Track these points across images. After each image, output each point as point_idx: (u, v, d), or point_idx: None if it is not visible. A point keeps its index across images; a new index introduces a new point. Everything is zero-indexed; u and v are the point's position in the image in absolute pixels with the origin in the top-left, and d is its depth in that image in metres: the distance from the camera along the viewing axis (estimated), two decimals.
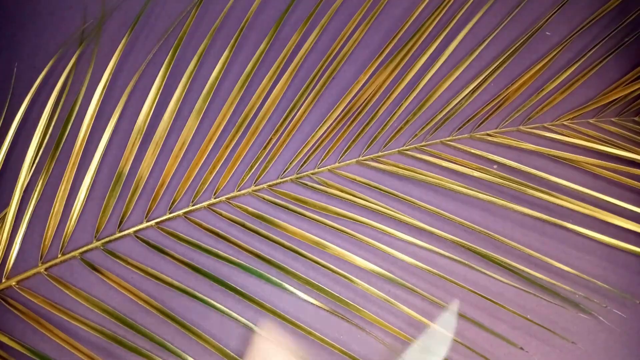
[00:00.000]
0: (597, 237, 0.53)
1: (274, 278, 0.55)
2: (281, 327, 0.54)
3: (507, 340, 0.52)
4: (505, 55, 0.60)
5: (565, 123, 0.60)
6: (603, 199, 0.54)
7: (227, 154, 0.59)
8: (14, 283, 0.56)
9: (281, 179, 0.61)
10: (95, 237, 0.58)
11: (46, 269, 0.57)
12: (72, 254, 0.58)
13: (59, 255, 0.58)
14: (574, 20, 0.62)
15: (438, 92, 0.61)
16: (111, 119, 0.57)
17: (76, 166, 0.57)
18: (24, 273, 0.57)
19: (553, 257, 0.53)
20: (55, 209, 0.57)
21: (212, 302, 0.55)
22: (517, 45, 0.61)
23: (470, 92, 0.61)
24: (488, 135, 0.61)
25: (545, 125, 0.60)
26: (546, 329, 0.53)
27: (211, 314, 0.55)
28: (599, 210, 0.53)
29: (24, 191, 0.56)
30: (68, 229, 0.57)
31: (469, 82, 0.61)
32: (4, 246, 0.57)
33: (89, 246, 0.58)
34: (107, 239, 0.58)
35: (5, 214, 0.57)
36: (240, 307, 0.55)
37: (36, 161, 0.57)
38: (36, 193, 0.57)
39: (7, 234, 0.57)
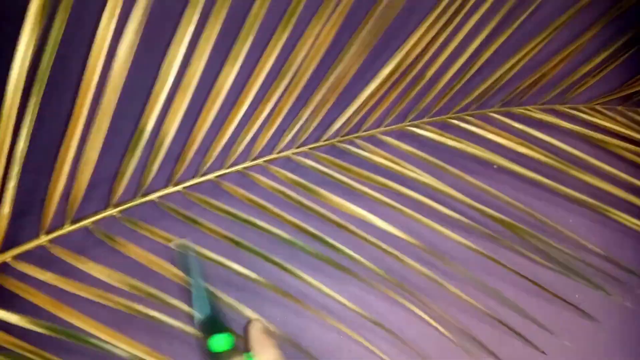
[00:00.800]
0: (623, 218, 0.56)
1: (314, 250, 0.51)
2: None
3: (538, 324, 0.55)
4: (553, 27, 0.58)
5: (596, 107, 0.62)
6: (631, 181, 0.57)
7: (266, 111, 0.52)
8: (9, 258, 0.46)
9: (324, 141, 0.55)
10: (111, 204, 0.49)
11: (50, 241, 0.47)
12: (83, 223, 0.48)
13: (67, 225, 0.48)
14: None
15: (482, 60, 0.58)
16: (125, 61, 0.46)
17: (84, 118, 0.46)
18: (23, 245, 0.46)
19: (582, 237, 0.56)
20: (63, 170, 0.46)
21: (235, 266, 0.50)
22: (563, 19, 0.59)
23: (511, 65, 0.59)
24: (527, 110, 0.60)
25: (579, 106, 0.62)
26: (575, 307, 0.57)
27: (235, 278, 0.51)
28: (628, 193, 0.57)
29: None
30: (77, 193, 0.47)
31: (511, 55, 0.59)
32: None
33: (104, 214, 0.49)
34: (125, 206, 0.49)
35: None
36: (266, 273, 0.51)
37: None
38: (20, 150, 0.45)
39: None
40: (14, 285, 0.46)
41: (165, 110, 0.48)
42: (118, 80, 0.43)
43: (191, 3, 0.44)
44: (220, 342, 0.33)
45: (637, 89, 0.61)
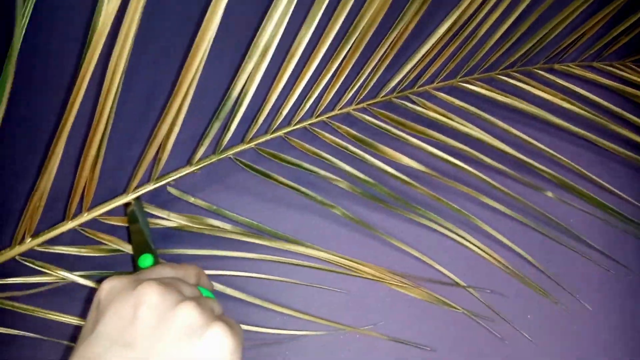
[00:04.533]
0: None
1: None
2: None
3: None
4: None
5: (628, 64, 0.65)
6: None
7: (331, 71, 0.53)
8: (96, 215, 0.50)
9: (381, 98, 0.58)
10: (192, 162, 0.52)
11: (135, 198, 0.51)
12: (166, 180, 0.51)
13: (152, 182, 0.51)
14: None
15: (531, 19, 0.60)
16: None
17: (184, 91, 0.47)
18: (107, 202, 0.50)
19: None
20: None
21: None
22: None
23: (554, 25, 0.60)
24: (568, 67, 0.63)
25: (613, 63, 0.65)
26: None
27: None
28: None
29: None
30: (162, 156, 0.50)
31: (555, 15, 0.61)
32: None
33: (184, 171, 0.52)
34: (204, 163, 0.52)
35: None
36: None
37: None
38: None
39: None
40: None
41: (250, 76, 0.49)
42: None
43: None
44: (147, 260, 0.43)
45: None
